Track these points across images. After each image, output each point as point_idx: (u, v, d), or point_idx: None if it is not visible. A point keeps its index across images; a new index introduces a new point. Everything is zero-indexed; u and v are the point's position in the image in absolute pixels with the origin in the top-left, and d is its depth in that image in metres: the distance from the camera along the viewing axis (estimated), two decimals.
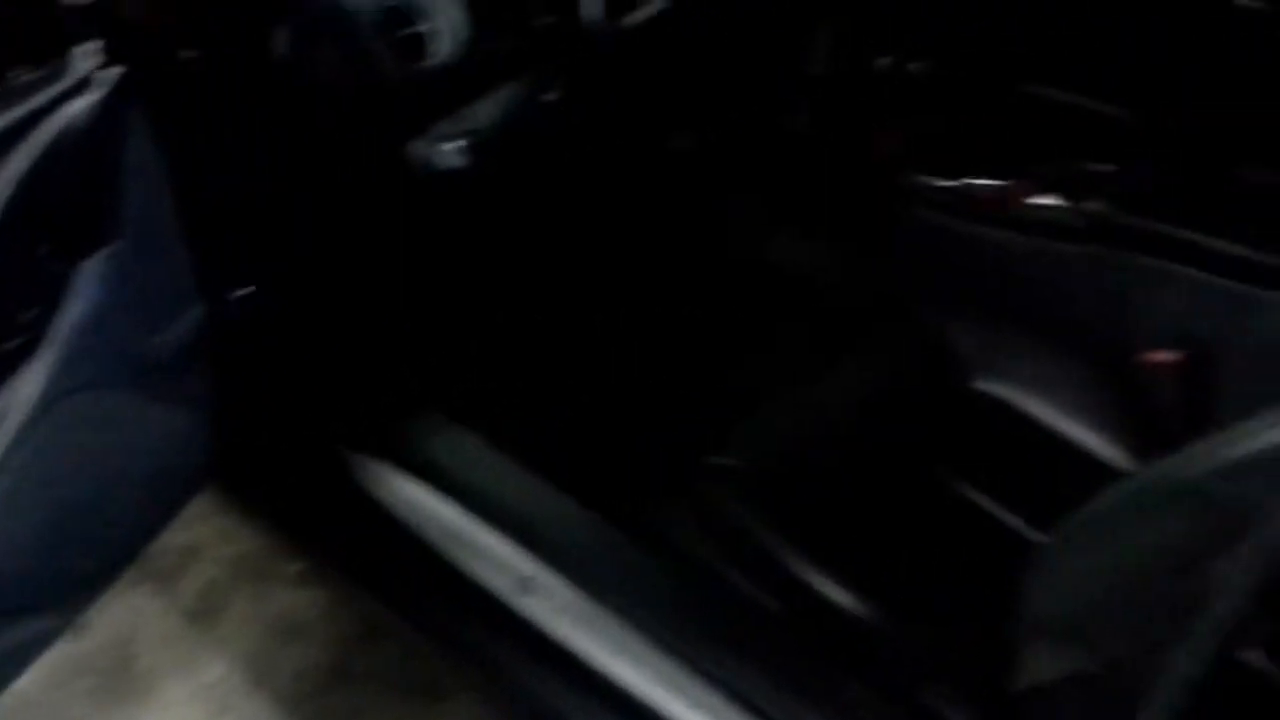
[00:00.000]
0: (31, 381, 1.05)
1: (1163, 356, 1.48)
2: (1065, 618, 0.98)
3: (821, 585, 1.30)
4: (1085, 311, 1.54)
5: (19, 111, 1.04)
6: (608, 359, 1.64)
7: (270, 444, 1.52)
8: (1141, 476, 0.93)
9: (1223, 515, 0.82)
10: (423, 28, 1.32)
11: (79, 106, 1.08)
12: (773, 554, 1.32)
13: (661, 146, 1.47)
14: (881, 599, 1.30)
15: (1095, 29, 1.68)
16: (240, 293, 1.40)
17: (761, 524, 1.35)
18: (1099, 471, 1.47)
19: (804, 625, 1.30)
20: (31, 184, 1.02)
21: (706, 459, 1.44)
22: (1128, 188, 1.54)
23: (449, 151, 1.41)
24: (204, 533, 1.91)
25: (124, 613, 1.81)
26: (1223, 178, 1.55)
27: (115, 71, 1.11)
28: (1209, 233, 1.43)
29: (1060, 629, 0.99)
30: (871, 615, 1.29)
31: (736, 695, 1.20)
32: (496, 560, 1.36)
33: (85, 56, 1.10)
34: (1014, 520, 1.42)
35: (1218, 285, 1.41)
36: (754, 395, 1.52)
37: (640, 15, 1.38)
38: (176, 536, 1.86)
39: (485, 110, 1.45)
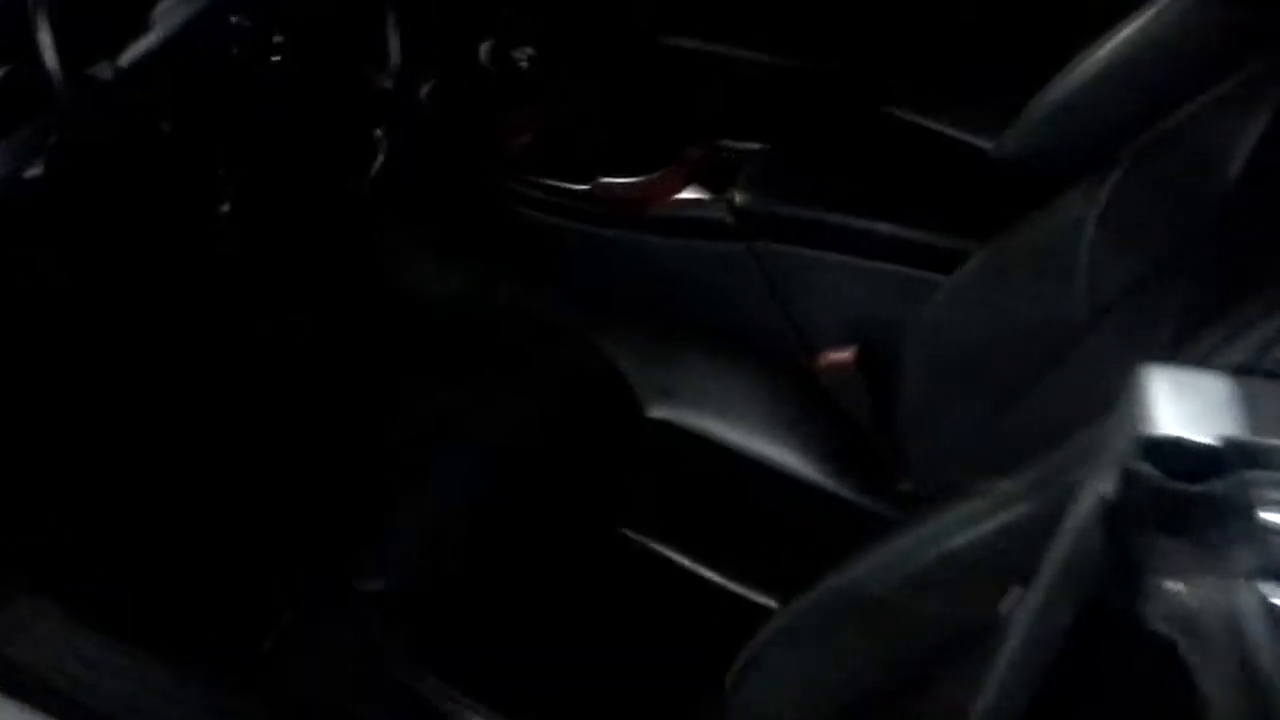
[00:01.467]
0: None
1: (837, 355, 1.34)
2: None
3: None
4: (751, 316, 1.38)
5: None
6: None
7: None
8: (819, 593, 0.76)
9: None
10: None
11: None
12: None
13: (210, 210, 1.16)
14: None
15: None
16: None
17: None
18: (797, 490, 1.32)
19: None
20: None
21: (353, 584, 1.18)
22: (773, 170, 1.38)
23: None
24: None
25: None
26: (874, 117, 1.42)
27: None
28: (870, 217, 1.29)
29: None
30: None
31: None
32: None
33: None
34: (712, 573, 1.25)
35: (885, 272, 1.28)
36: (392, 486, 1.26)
37: (134, 54, 1.05)
38: None
39: None
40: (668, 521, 1.29)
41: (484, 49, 1.44)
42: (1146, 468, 0.43)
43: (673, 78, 1.57)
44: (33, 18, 0.97)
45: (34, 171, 1.03)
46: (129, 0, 1.04)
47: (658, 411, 1.38)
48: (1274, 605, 0.41)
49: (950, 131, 1.44)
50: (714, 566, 1.25)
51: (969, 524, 0.71)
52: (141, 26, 1.06)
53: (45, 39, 0.98)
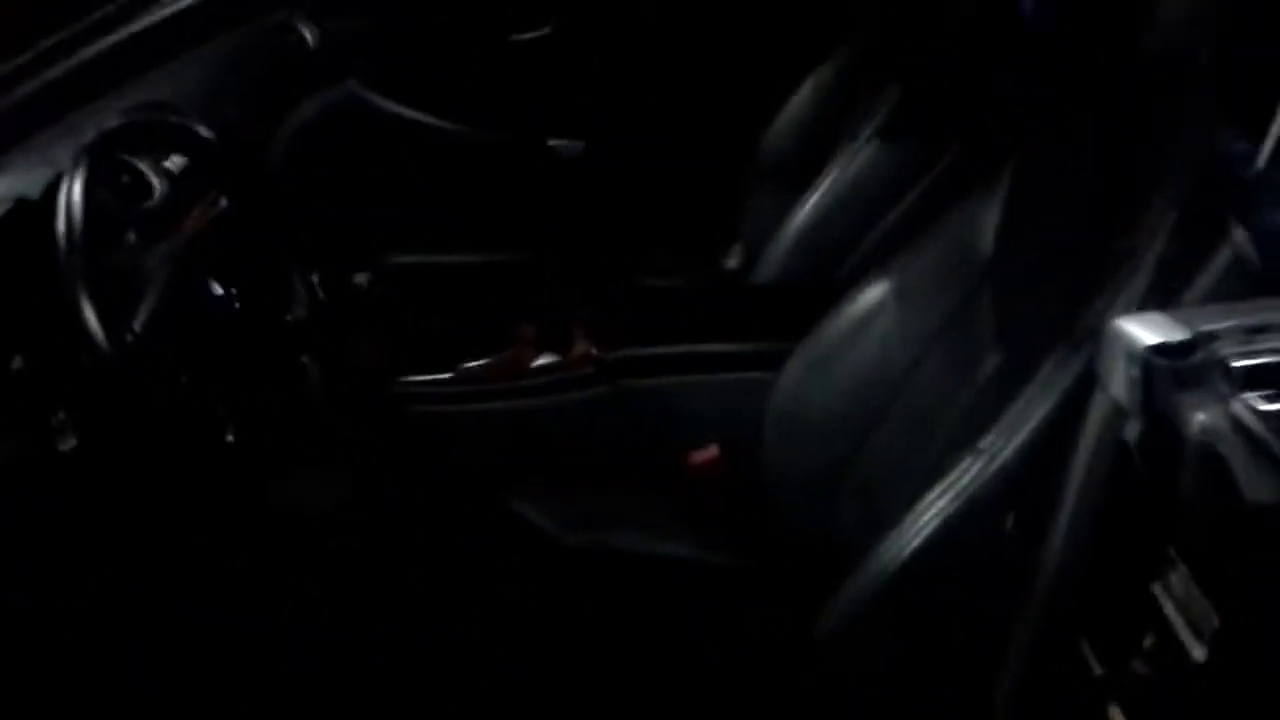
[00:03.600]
0: None
1: (702, 455, 1.66)
2: None
3: None
4: (626, 442, 1.66)
5: None
6: None
7: None
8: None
9: None
10: None
11: None
12: None
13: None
14: None
15: None
16: None
17: None
18: (704, 575, 1.60)
19: None
20: None
21: None
22: (607, 325, 1.71)
23: None
24: None
25: None
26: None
27: None
28: (698, 339, 1.63)
29: None
30: None
31: None
32: None
33: None
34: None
35: (727, 381, 1.62)
36: None
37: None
38: None
39: None
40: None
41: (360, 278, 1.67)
42: (1160, 360, 0.79)
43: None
44: (77, 296, 1.11)
45: (69, 444, 1.15)
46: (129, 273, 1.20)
47: (573, 540, 1.63)
48: (1243, 413, 0.77)
49: None
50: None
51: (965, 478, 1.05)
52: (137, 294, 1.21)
53: (90, 313, 1.12)
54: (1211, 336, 0.79)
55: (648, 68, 2.29)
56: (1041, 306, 1.17)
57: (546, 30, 2.25)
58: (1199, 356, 0.79)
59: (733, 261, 2.17)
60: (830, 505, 1.48)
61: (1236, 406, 0.77)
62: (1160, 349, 0.79)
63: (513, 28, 2.24)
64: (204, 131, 1.41)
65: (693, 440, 1.67)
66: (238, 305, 1.32)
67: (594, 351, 1.67)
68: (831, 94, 2.03)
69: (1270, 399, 0.77)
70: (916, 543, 1.09)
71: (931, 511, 1.09)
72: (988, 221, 1.35)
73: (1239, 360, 0.78)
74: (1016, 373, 1.14)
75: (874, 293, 1.48)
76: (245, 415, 1.31)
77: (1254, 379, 0.77)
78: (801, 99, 2.10)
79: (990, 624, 1.04)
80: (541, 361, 1.70)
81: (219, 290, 1.32)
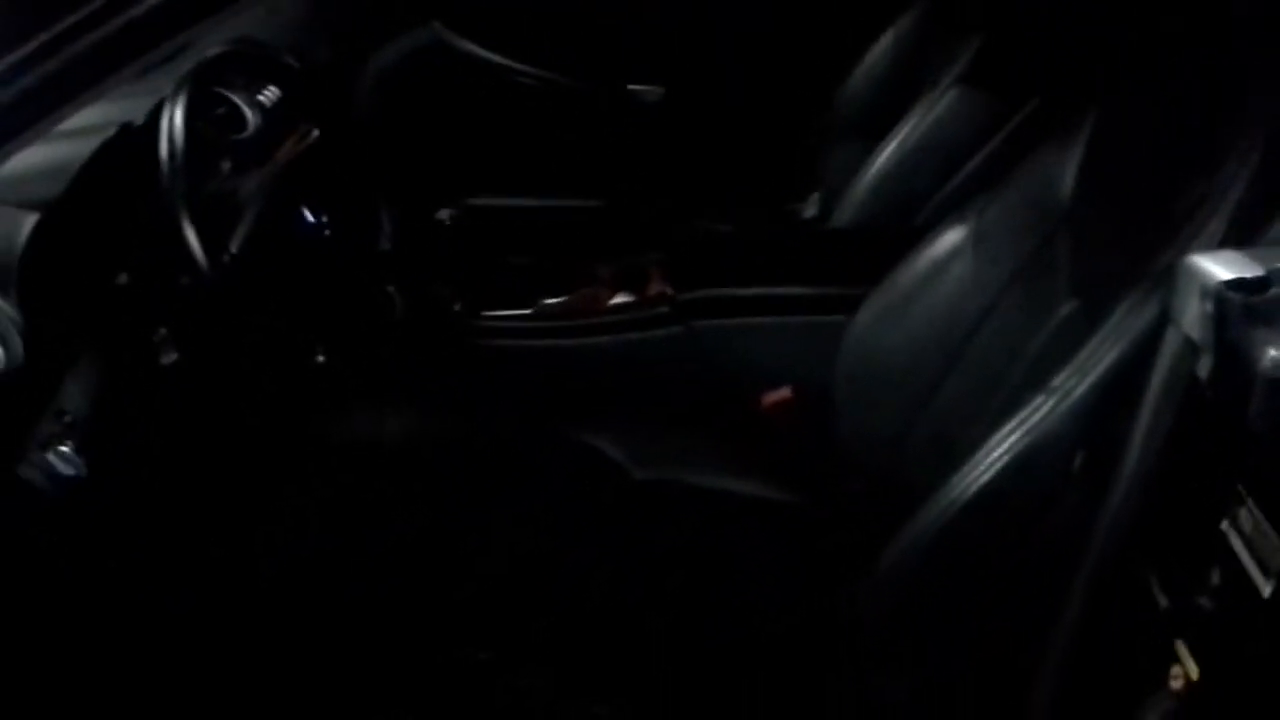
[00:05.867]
0: None
1: (775, 396, 1.69)
2: None
3: None
4: (699, 381, 1.69)
5: None
6: None
7: None
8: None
9: None
10: None
11: None
12: None
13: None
14: None
15: None
16: None
17: None
18: (768, 511, 1.63)
19: None
20: None
21: None
22: (678, 265, 1.74)
23: (65, 457, 1.19)
24: None
25: None
26: None
27: None
28: (773, 282, 1.65)
29: None
30: None
31: None
32: None
33: None
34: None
35: (799, 323, 1.64)
36: None
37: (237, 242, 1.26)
38: None
39: (75, 396, 1.25)
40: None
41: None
42: (1234, 294, 0.80)
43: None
44: (178, 217, 1.17)
45: (170, 358, 1.20)
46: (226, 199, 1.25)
47: (643, 475, 1.67)
48: None
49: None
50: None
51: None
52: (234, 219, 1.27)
53: (190, 234, 1.17)
54: None
55: (729, 15, 2.29)
56: (1118, 253, 1.17)
57: None
58: (1273, 292, 0.80)
59: (810, 210, 2.18)
60: (902, 450, 1.50)
61: None
62: (1234, 284, 0.80)
63: None
64: (296, 65, 1.46)
65: (766, 382, 1.70)
66: (328, 233, 1.37)
67: (669, 291, 1.70)
68: (911, 43, 2.02)
69: None
70: (986, 477, 1.10)
71: (1003, 448, 1.10)
72: (1067, 170, 1.35)
73: None
74: (1091, 317, 1.14)
75: (951, 238, 1.49)
76: (334, 338, 1.37)
77: None
78: (881, 48, 2.09)
79: (1056, 560, 1.06)
80: (618, 300, 1.73)
81: (311, 218, 1.37)
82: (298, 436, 1.46)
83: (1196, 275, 0.83)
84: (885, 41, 2.10)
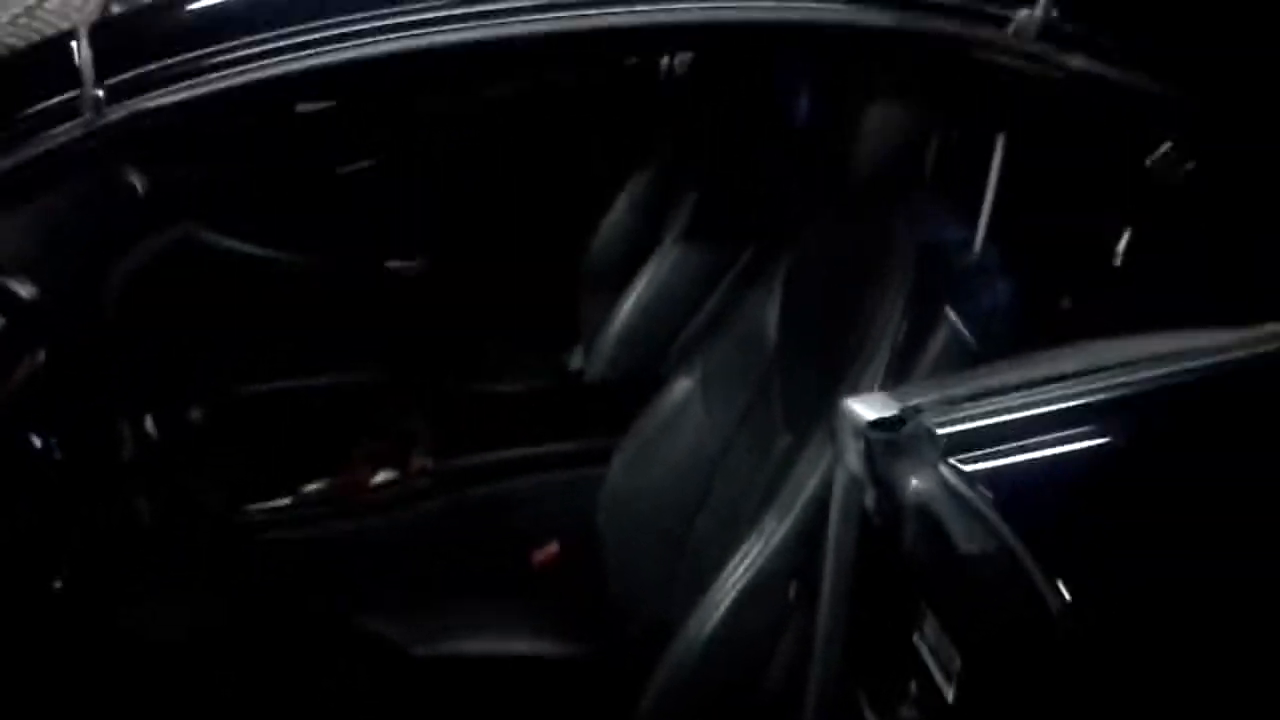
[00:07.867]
0: None
1: (543, 553, 1.74)
2: None
3: None
4: (470, 547, 1.73)
5: None
6: None
7: None
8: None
9: None
10: None
11: None
12: None
13: None
14: None
15: None
16: None
17: None
18: (547, 669, 1.65)
19: None
20: None
21: None
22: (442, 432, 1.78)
23: None
24: None
25: None
26: None
27: None
28: (533, 441, 1.72)
29: None
30: None
31: None
32: None
33: None
34: None
35: (558, 480, 1.70)
36: None
37: None
38: None
39: None
40: None
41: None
42: (876, 433, 0.89)
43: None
44: None
45: None
46: None
47: (423, 650, 1.67)
48: (949, 475, 0.88)
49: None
50: None
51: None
52: None
53: None
54: (918, 409, 0.90)
55: (475, 190, 2.39)
56: (814, 390, 1.28)
57: (371, 163, 2.34)
58: (908, 428, 0.90)
59: (575, 361, 2.26)
60: (668, 594, 1.56)
61: (943, 470, 0.88)
62: (876, 424, 0.90)
63: (339, 162, 2.32)
64: (24, 293, 1.45)
65: (535, 540, 1.74)
66: (58, 455, 1.35)
67: (429, 465, 1.73)
68: (643, 202, 2.15)
69: (972, 460, 0.89)
70: (718, 615, 1.18)
71: (730, 584, 1.18)
72: (770, 313, 1.47)
73: (943, 428, 0.89)
74: (800, 451, 1.25)
75: (683, 385, 1.59)
76: (75, 560, 1.34)
77: (956, 443, 0.89)
78: (619, 207, 2.22)
79: (790, 687, 1.13)
80: (381, 478, 1.75)
81: (38, 442, 1.35)
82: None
83: (849, 416, 0.93)
84: (621, 201, 2.22)
